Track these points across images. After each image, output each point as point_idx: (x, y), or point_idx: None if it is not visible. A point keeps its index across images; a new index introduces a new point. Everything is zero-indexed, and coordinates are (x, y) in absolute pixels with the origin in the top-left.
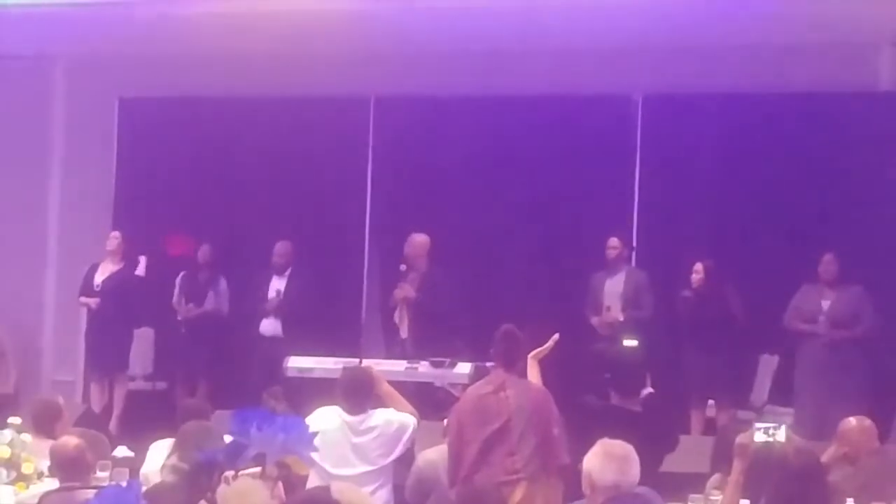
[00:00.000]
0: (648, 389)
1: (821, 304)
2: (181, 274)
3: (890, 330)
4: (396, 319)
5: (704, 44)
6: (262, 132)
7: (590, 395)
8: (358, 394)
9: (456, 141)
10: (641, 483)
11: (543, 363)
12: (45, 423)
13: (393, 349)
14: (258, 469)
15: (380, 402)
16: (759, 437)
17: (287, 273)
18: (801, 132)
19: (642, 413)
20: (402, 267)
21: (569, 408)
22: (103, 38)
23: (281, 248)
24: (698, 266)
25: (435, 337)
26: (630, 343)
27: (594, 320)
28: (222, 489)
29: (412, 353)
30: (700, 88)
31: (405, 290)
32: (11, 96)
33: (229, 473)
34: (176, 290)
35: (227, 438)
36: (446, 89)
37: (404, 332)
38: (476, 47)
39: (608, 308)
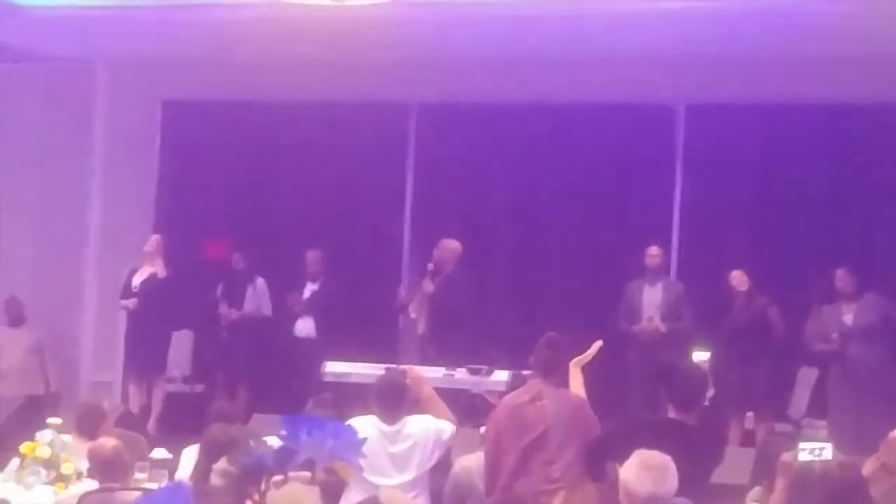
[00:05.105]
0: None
1: (842, 320)
2: (221, 284)
3: None
4: (413, 314)
5: (746, 54)
6: (305, 137)
7: (645, 409)
8: (394, 399)
9: (497, 148)
10: (690, 496)
11: (585, 371)
12: (88, 426)
13: (409, 346)
14: (307, 474)
15: (419, 406)
16: (804, 456)
17: (320, 280)
18: (844, 143)
19: (697, 426)
20: (430, 266)
21: (618, 420)
22: (147, 41)
23: (312, 256)
24: (740, 275)
25: (450, 335)
26: (701, 357)
27: (636, 328)
28: (272, 493)
29: (431, 350)
30: (742, 99)
31: (425, 286)
32: (55, 98)
33: (278, 478)
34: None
35: (273, 442)
36: (488, 97)
37: (421, 328)
38: (518, 55)
39: (650, 318)
